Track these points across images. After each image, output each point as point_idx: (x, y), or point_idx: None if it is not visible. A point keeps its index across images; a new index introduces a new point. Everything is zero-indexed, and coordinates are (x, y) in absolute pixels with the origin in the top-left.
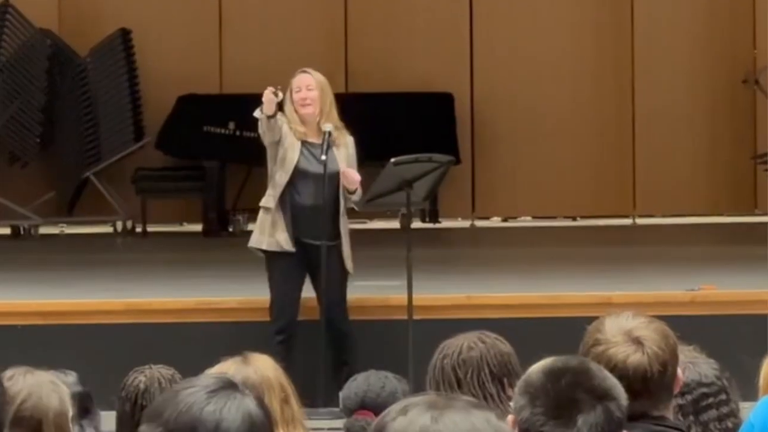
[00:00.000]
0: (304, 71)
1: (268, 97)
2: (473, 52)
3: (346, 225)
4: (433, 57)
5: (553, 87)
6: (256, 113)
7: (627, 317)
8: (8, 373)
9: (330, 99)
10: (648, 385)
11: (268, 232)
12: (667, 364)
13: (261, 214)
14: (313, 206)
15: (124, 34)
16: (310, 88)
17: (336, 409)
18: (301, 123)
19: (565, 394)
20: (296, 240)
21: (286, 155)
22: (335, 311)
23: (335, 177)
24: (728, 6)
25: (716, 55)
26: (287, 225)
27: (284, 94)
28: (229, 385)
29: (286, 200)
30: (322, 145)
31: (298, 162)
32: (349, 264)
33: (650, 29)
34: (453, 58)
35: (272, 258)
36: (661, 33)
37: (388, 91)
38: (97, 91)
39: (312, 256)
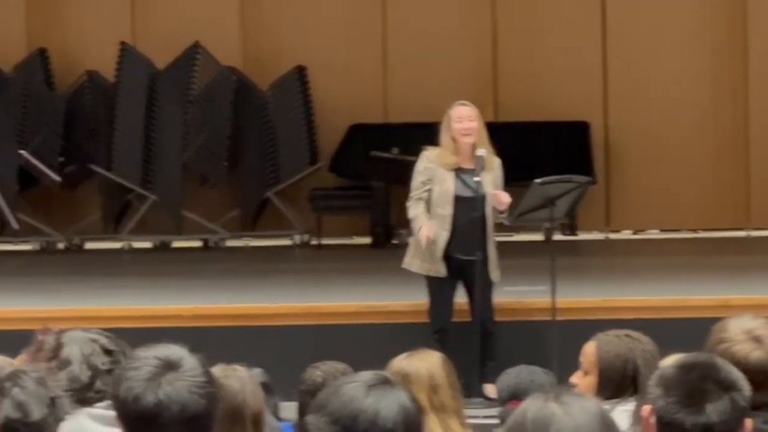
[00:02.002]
0: (464, 104)
1: (429, 232)
2: (606, 85)
3: (493, 240)
4: (571, 90)
5: (676, 112)
6: (417, 238)
7: (748, 318)
8: (216, 370)
9: (484, 128)
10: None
11: (420, 257)
12: None
13: (412, 240)
14: (466, 225)
15: (300, 71)
16: (471, 119)
17: (482, 399)
18: (456, 152)
19: (696, 386)
20: (450, 255)
21: (442, 188)
22: (484, 315)
23: (483, 197)
24: None
25: None
26: (438, 250)
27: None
28: (384, 380)
29: (437, 228)
30: (476, 168)
31: (455, 191)
32: (494, 275)
33: (763, 54)
34: (588, 90)
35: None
36: None
37: (532, 120)
38: (276, 121)
39: (464, 268)
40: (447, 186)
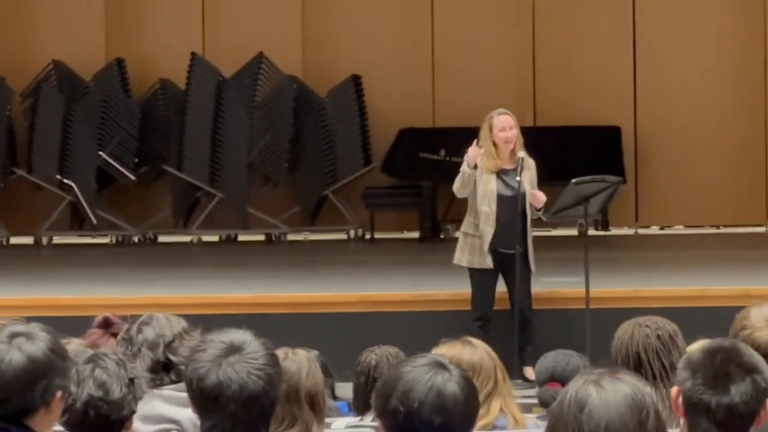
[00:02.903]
0: (504, 112)
1: (475, 153)
2: (636, 92)
3: (530, 234)
4: (603, 97)
5: (700, 118)
6: (464, 168)
7: None
8: (279, 353)
9: (519, 132)
10: None
11: (468, 251)
12: None
13: (461, 237)
14: (507, 221)
15: (356, 79)
16: (512, 127)
17: (521, 381)
18: (496, 156)
19: (721, 369)
20: (494, 249)
21: (486, 188)
22: (523, 303)
23: (523, 196)
24: None
25: None
26: (484, 244)
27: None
28: (441, 363)
29: (482, 225)
30: (516, 168)
31: (497, 190)
32: (533, 266)
33: None
34: (620, 97)
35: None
36: None
37: (568, 125)
38: (333, 126)
39: (505, 261)
40: (490, 186)
